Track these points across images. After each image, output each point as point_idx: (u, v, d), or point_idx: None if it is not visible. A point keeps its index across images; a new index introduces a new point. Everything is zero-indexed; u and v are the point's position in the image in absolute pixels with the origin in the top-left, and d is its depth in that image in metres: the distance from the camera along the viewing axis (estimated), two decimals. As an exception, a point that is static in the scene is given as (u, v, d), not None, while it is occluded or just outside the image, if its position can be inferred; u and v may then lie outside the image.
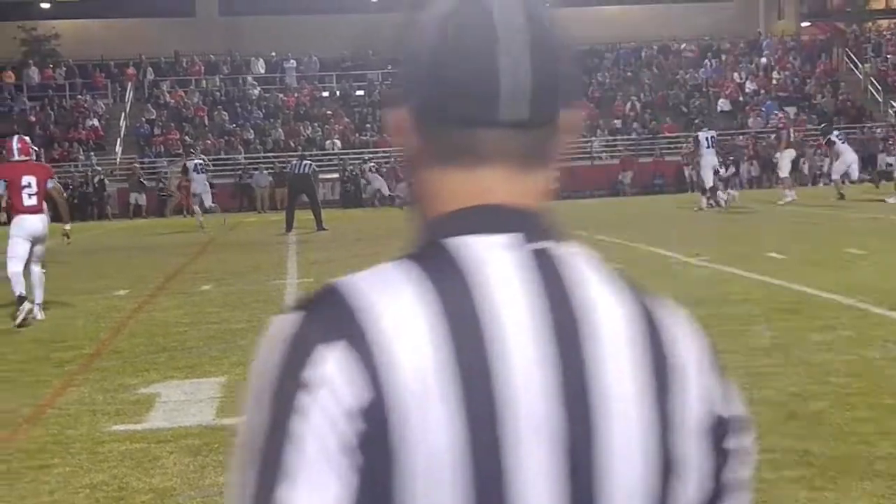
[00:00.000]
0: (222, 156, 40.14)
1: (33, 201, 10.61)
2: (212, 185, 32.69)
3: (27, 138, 11.62)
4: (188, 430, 5.53)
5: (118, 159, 39.93)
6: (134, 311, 10.55)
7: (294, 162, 24.31)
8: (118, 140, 40.90)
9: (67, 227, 11.47)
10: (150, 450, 5.19)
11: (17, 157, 10.87)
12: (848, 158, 24.93)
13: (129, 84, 44.16)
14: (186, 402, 6.21)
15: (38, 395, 6.61)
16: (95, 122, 41.79)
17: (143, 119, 41.93)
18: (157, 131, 41.50)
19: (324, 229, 22.38)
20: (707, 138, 24.45)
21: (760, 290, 10.03)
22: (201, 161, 29.04)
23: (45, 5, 50.65)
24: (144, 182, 37.70)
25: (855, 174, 25.40)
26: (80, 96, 43.42)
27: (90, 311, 10.65)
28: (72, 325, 9.66)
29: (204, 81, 45.05)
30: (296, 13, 48.46)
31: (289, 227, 22.47)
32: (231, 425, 5.60)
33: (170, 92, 43.96)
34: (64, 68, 45.01)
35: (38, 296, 10.57)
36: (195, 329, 9.09)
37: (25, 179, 10.59)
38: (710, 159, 24.09)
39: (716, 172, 24.46)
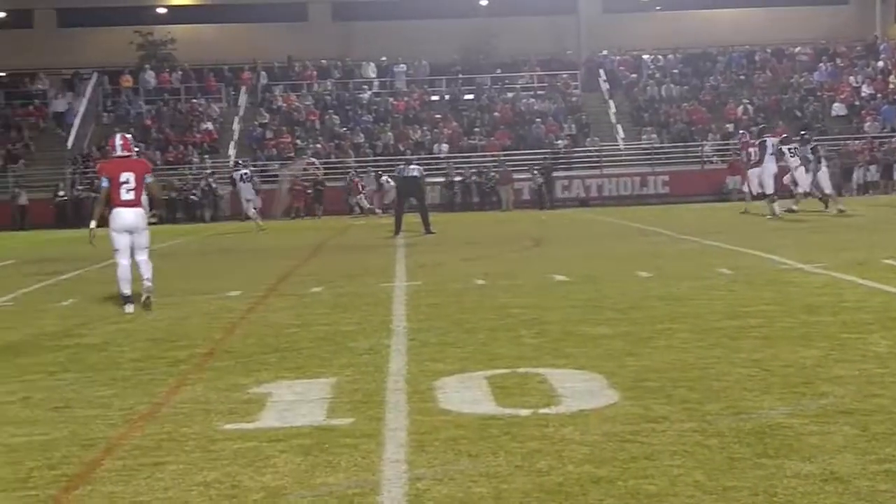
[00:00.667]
0: (332, 159, 40.56)
1: (130, 196, 11.28)
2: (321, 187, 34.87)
3: (129, 136, 12.19)
4: (299, 429, 5.59)
5: (231, 162, 40.64)
6: (246, 311, 10.72)
7: (402, 166, 24.47)
8: (231, 143, 41.67)
9: (154, 211, 12.09)
10: (262, 449, 5.26)
11: (118, 153, 11.54)
12: None
13: (243, 88, 44.93)
14: (297, 402, 6.27)
15: (154, 393, 6.74)
16: (209, 125, 42.66)
17: (256, 123, 42.64)
18: (269, 135, 42.15)
19: (431, 232, 22.47)
20: (773, 144, 24.33)
21: (877, 297, 9.76)
22: (247, 172, 31.41)
23: (162, 10, 51.86)
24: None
25: None
26: (194, 100, 44.38)
27: (204, 311, 10.85)
28: (186, 325, 9.85)
29: (316, 86, 45.58)
30: (407, 18, 48.75)
31: (397, 230, 22.61)
32: (341, 426, 5.65)
33: (282, 96, 44.63)
34: (179, 72, 46.02)
35: (147, 272, 11.24)
36: (305, 330, 9.19)
37: (124, 176, 11.25)
38: (771, 167, 24.02)
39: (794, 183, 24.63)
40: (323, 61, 46.95)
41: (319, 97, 44.97)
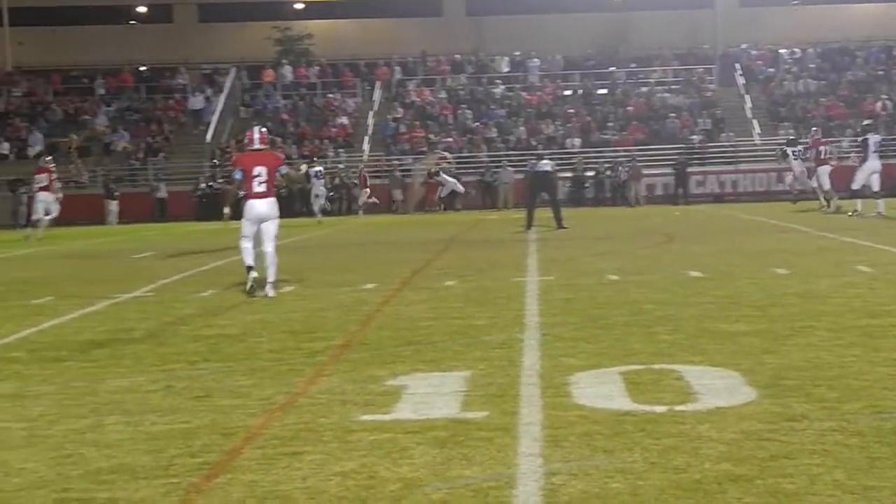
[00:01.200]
0: (465, 154, 40.68)
1: (262, 188, 11.91)
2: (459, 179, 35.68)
3: (265, 129, 12.79)
4: (434, 422, 5.61)
5: (365, 156, 41.15)
6: (381, 304, 10.83)
7: (533, 160, 24.35)
8: (365, 138, 42.15)
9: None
10: (398, 440, 5.29)
11: (255, 146, 12.16)
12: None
13: (378, 83, 45.40)
14: (432, 395, 6.30)
15: (291, 384, 6.85)
16: (344, 120, 43.22)
17: (390, 117, 43.03)
18: (402, 129, 42.51)
19: (563, 227, 22.35)
20: (876, 142, 24.02)
21: None
22: (320, 170, 33.63)
23: (299, 6, 52.81)
24: (400, 177, 38.85)
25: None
26: (330, 95, 45.01)
27: (340, 303, 11.00)
28: (322, 317, 9.99)
29: (449, 80, 45.79)
30: (541, 12, 48.64)
31: (528, 224, 22.55)
32: (476, 419, 5.66)
33: (416, 91, 44.94)
34: (316, 67, 46.72)
35: (271, 274, 11.81)
36: (440, 323, 9.23)
37: (257, 169, 11.87)
38: (872, 164, 23.72)
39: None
40: (457, 56, 47.14)
41: (453, 92, 45.16)
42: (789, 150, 28.26)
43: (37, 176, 27.47)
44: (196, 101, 43.56)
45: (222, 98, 44.18)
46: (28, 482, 4.86)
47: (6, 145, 41.78)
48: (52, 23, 52.49)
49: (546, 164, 23.45)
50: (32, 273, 16.52)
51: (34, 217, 26.94)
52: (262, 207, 11.94)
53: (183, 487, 4.71)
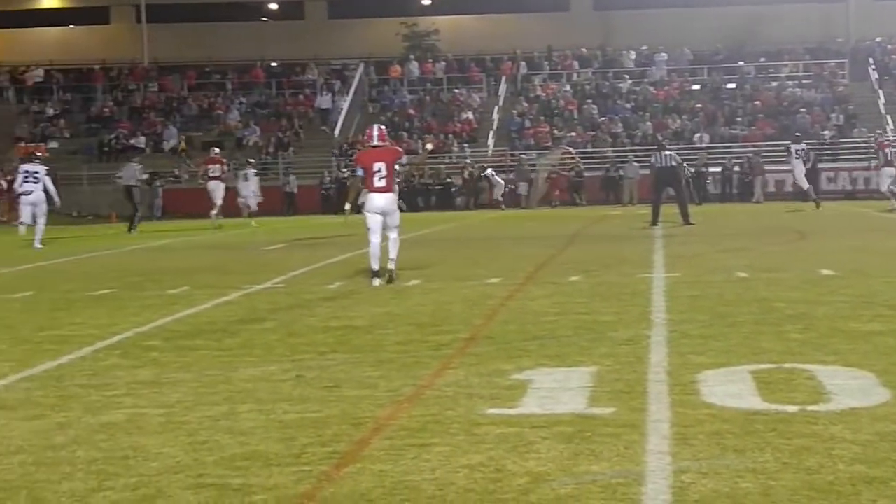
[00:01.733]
0: (589, 149, 40.43)
1: (382, 183, 12.44)
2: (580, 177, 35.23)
3: (384, 127, 13.55)
4: (560, 417, 5.61)
5: (490, 151, 41.21)
6: (506, 298, 10.85)
7: (656, 154, 23.90)
8: (490, 133, 42.21)
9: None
10: (525, 434, 5.31)
11: (374, 143, 12.72)
12: None
13: (503, 78, 45.41)
14: (558, 390, 6.30)
15: (418, 376, 6.91)
16: (470, 115, 43.33)
17: (515, 112, 42.98)
18: (527, 124, 42.43)
19: (690, 223, 22.04)
20: None
21: None
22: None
23: (426, 2, 53.15)
24: (527, 170, 38.81)
25: None
26: (456, 90, 45.18)
27: (465, 297, 11.05)
28: (448, 311, 10.05)
29: (575, 75, 45.53)
30: (669, 6, 48.03)
31: (654, 220, 22.29)
32: (603, 415, 5.64)
33: (541, 85, 44.79)
34: (442, 63, 46.95)
35: (393, 253, 12.57)
36: (565, 318, 9.21)
37: (377, 165, 12.41)
38: None
39: None
40: (583, 50, 46.86)
41: (578, 86, 44.91)
42: (793, 148, 28.61)
43: (209, 167, 28.94)
44: (324, 101, 44.14)
45: (350, 94, 44.75)
46: (165, 467, 5.02)
47: (142, 139, 43.06)
48: (187, 19, 53.94)
49: (671, 158, 23.09)
50: (168, 263, 17.01)
51: (216, 206, 28.68)
52: (381, 201, 12.46)
53: (314, 475, 4.80)
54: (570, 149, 39.45)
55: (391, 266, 12.49)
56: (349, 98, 44.46)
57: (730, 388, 6.16)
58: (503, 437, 5.29)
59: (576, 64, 46.33)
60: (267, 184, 38.04)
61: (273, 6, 55.91)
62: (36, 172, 22.07)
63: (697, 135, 40.85)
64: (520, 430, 5.39)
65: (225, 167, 29.16)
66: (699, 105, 42.96)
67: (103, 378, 7.23)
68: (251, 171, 30.26)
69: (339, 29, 53.55)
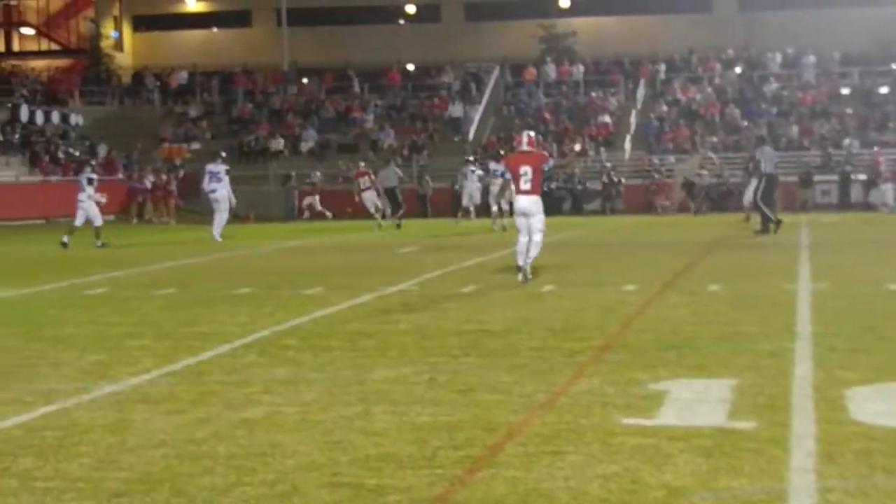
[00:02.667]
0: (730, 154, 39.57)
1: (527, 186, 13.16)
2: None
3: (533, 133, 14.16)
4: (699, 429, 5.47)
5: (626, 155, 40.73)
6: (642, 306, 10.67)
7: (763, 155, 22.92)
8: (627, 136, 41.71)
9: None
10: (662, 446, 5.18)
11: (523, 148, 13.44)
12: None
13: (642, 81, 44.82)
14: (696, 402, 6.14)
15: (552, 383, 6.83)
16: (606, 118, 42.90)
17: (653, 116, 42.39)
18: (666, 128, 41.78)
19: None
20: None
21: None
22: (474, 169, 33.12)
23: (565, 4, 52.93)
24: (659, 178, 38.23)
25: None
26: (593, 93, 44.77)
27: (600, 303, 10.91)
28: (582, 317, 9.94)
29: (717, 78, 44.62)
30: (818, 6, 46.77)
31: (767, 225, 21.61)
32: (744, 429, 5.46)
33: (681, 88, 44.03)
34: (580, 65, 46.61)
35: (533, 251, 13.25)
36: (703, 328, 9.00)
37: (523, 169, 13.12)
38: None
39: None
40: (727, 52, 45.92)
41: (721, 89, 44.02)
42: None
43: (359, 180, 31.01)
44: (455, 109, 44.04)
45: (485, 96, 44.78)
46: (301, 465, 5.06)
47: (280, 141, 43.88)
48: (326, 23, 54.85)
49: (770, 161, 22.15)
50: (303, 264, 17.27)
51: (375, 213, 30.41)
52: (525, 203, 13.22)
53: (447, 479, 4.78)
54: (712, 154, 38.64)
55: (527, 265, 13.10)
56: (484, 101, 44.50)
57: (879, 406, 5.92)
58: (639, 447, 5.18)
59: (718, 66, 45.41)
60: (401, 186, 38.28)
61: (410, 9, 56.43)
62: (218, 172, 23.81)
63: (847, 140, 39.51)
64: (656, 442, 5.27)
65: (372, 177, 30.75)
66: (849, 110, 41.52)
67: (242, 375, 7.35)
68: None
69: (475, 31, 53.73)
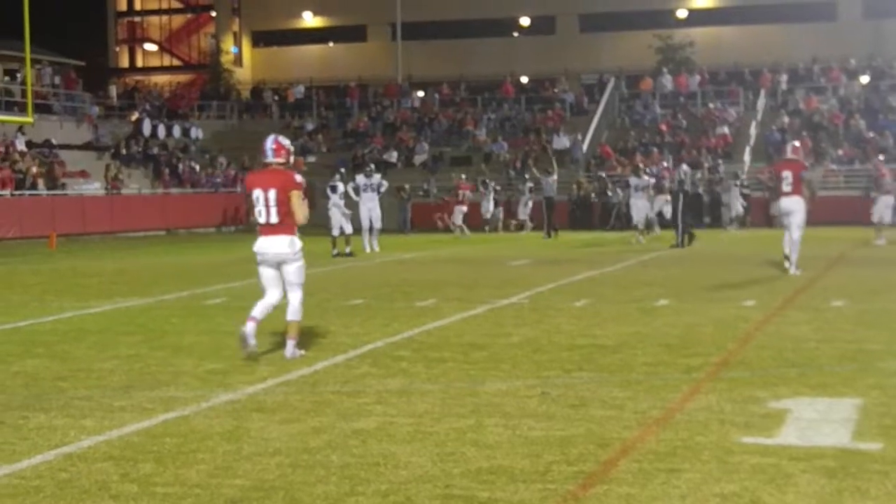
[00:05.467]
0: (856, 166, 38.50)
1: (788, 188, 15.33)
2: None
3: (798, 143, 17.05)
4: (822, 450, 5.30)
5: (745, 167, 39.96)
6: (761, 322, 10.43)
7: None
8: (746, 148, 40.93)
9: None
10: (782, 466, 5.04)
11: (788, 156, 16.09)
12: None
13: (762, 91, 43.94)
14: (819, 421, 5.97)
15: (667, 399, 6.72)
16: (725, 129, 42.16)
17: (775, 127, 41.51)
18: (787, 139, 40.78)
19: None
20: None
21: None
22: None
23: (682, 13, 52.29)
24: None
25: None
26: (711, 104, 44.06)
27: (717, 319, 10.70)
28: (699, 333, 9.76)
29: (842, 88, 43.46)
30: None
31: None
32: (869, 451, 5.28)
33: (804, 99, 43.02)
34: (697, 76, 45.94)
35: (794, 251, 15.64)
36: (827, 346, 8.76)
37: (784, 173, 15.34)
38: None
39: None
40: (851, 61, 44.76)
41: (845, 100, 42.89)
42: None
43: (463, 192, 33.06)
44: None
45: (600, 108, 44.45)
46: (414, 476, 5.05)
47: (394, 154, 44.22)
48: (441, 36, 55.20)
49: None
50: (416, 276, 17.33)
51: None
52: (787, 203, 15.42)
53: (560, 494, 4.72)
54: (834, 166, 37.62)
55: (792, 258, 15.54)
56: (599, 112, 44.16)
57: None
58: (759, 467, 5.05)
59: (843, 76, 44.24)
60: (516, 198, 38.21)
61: (525, 21, 56.42)
62: (372, 185, 24.42)
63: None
64: (777, 462, 5.12)
65: (473, 190, 31.87)
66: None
67: (355, 385, 7.40)
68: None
69: (590, 43, 53.48)
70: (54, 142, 37.61)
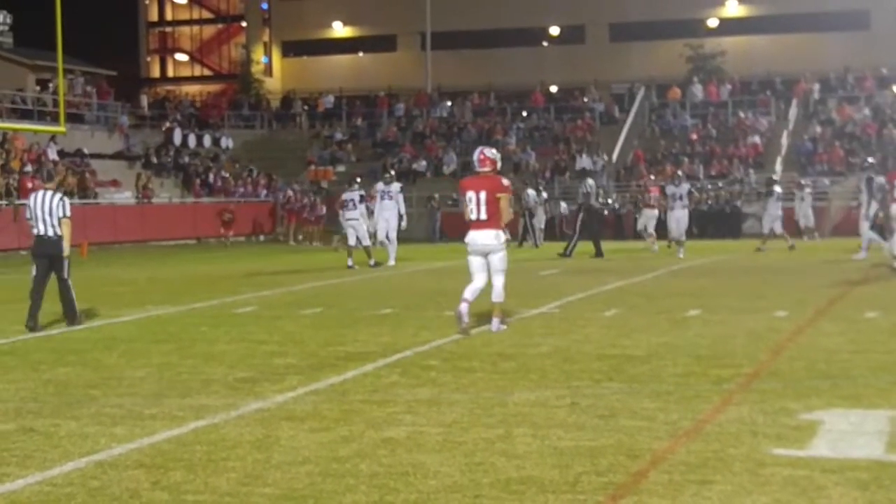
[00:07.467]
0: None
1: None
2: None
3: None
4: (855, 462, 5.25)
5: (776, 177, 39.70)
6: (793, 333, 10.35)
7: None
8: (778, 158, 40.70)
9: None
10: (815, 478, 5.00)
11: None
12: None
13: (794, 100, 43.67)
14: (852, 433, 5.91)
15: (697, 410, 6.68)
16: (756, 139, 41.93)
17: (806, 137, 41.23)
18: (819, 149, 40.55)
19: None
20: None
21: None
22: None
23: (713, 23, 52.10)
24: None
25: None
26: (741, 113, 43.83)
27: (748, 330, 10.63)
28: (730, 344, 9.69)
29: (875, 97, 43.11)
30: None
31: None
32: (902, 464, 5.23)
33: (836, 108, 42.70)
34: (728, 85, 45.72)
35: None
36: (860, 357, 8.68)
37: None
38: None
39: None
40: (884, 70, 44.41)
41: (879, 109, 42.55)
42: (776, 189, 27.51)
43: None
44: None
45: (630, 117, 44.33)
46: (443, 485, 5.04)
47: (423, 163, 44.28)
48: (470, 46, 55.25)
49: None
50: (446, 285, 17.26)
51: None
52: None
53: (590, 505, 4.71)
54: (873, 176, 37.22)
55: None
56: (629, 122, 44.04)
57: None
58: (791, 479, 5.01)
59: (875, 85, 43.89)
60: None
61: (554, 31, 56.39)
62: (389, 192, 23.68)
63: None
64: (809, 474, 5.08)
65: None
66: None
67: (384, 395, 7.40)
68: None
69: (619, 52, 53.37)
70: (86, 151, 37.90)
